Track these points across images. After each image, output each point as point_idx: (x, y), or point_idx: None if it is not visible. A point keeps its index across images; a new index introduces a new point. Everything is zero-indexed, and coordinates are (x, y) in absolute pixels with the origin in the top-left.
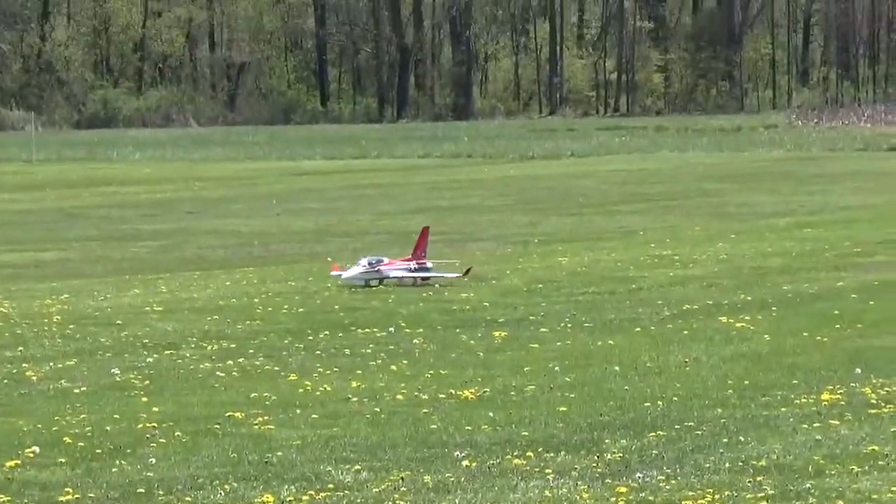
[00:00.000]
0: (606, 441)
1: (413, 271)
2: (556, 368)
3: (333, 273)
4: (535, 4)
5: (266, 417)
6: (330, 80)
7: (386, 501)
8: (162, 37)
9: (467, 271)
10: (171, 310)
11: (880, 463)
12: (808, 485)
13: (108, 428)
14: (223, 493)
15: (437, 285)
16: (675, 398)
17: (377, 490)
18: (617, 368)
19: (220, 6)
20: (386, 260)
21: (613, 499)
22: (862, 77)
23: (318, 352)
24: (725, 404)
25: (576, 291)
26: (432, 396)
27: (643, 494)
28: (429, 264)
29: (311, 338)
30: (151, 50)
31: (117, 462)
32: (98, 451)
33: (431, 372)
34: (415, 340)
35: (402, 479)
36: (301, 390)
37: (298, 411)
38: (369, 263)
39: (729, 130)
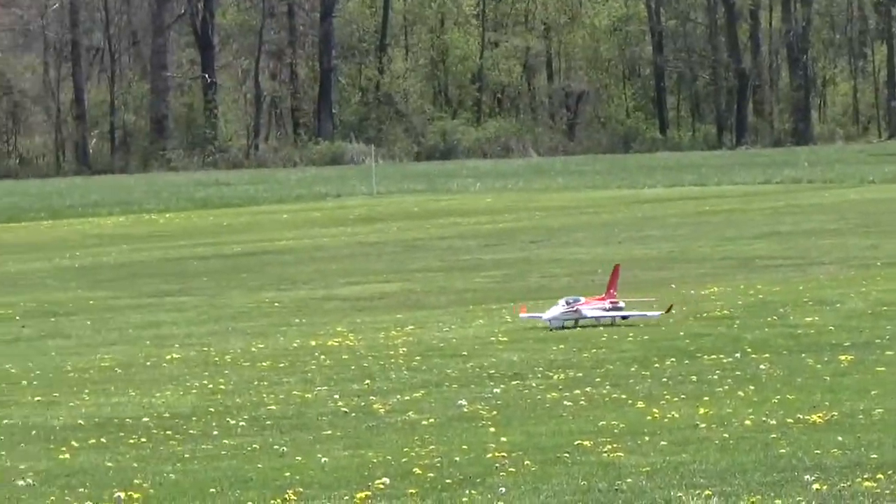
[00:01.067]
0: None
1: (607, 310)
2: None
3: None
4: (873, 28)
5: (614, 445)
6: (668, 108)
7: None
8: (499, 67)
9: (670, 308)
10: (516, 339)
11: None
12: None
13: (457, 458)
14: None
15: (641, 325)
16: None
17: None
18: None
19: (556, 35)
20: (583, 300)
21: None
22: None
23: (665, 379)
24: None
25: None
26: (780, 421)
27: None
28: (621, 303)
29: (656, 365)
30: (489, 80)
31: (467, 492)
32: (448, 481)
33: (778, 397)
34: (761, 366)
35: (753, 503)
36: (649, 418)
37: (647, 438)
38: (567, 303)
39: None
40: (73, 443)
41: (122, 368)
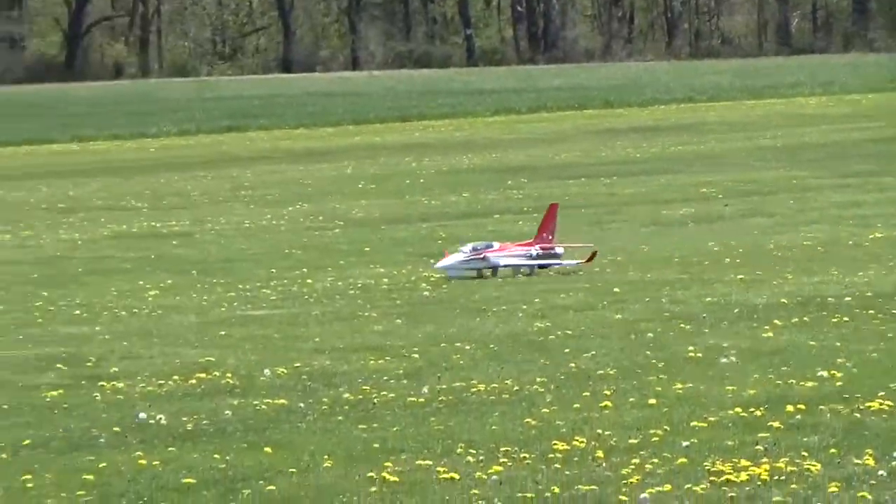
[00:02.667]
0: None
1: (535, 258)
2: None
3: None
4: None
5: None
6: None
7: None
8: None
9: (592, 257)
10: None
11: None
12: None
13: None
14: None
15: (551, 273)
16: None
17: None
18: None
19: None
20: (496, 245)
21: None
22: None
23: None
24: None
25: None
26: None
27: None
28: (558, 249)
29: None
30: None
31: None
32: None
33: None
34: None
35: None
36: None
37: None
38: (474, 249)
39: None
40: (776, 321)
41: (823, 247)
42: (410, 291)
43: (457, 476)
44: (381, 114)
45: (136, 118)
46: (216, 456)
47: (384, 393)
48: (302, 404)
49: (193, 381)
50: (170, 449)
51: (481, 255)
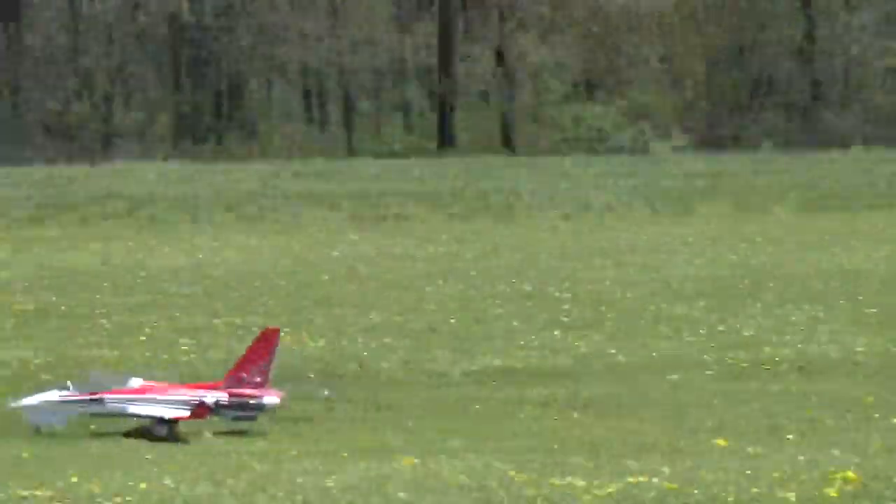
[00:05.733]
0: None
1: (207, 407)
2: None
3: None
4: None
5: None
6: None
7: None
8: None
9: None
10: None
11: None
12: None
13: None
14: None
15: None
16: None
17: None
18: None
19: None
20: (136, 383)
21: None
22: None
23: None
24: None
25: None
26: None
27: None
28: (268, 398)
29: None
30: None
31: None
32: None
33: None
34: None
35: None
36: None
37: None
38: (93, 384)
39: None
40: None
41: None
42: None
43: None
44: None
45: None
46: None
47: None
48: None
49: None
50: None
51: (96, 396)
